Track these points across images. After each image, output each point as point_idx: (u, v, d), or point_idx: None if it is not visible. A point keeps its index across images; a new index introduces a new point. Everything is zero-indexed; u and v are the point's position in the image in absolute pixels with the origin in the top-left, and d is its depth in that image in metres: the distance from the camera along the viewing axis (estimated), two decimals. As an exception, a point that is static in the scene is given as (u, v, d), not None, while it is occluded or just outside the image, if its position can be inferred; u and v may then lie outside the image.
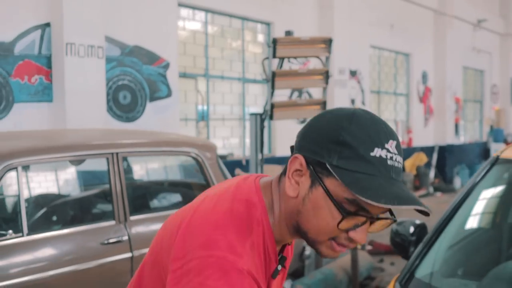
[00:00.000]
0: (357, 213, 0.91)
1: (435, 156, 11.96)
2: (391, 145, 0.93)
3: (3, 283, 2.49)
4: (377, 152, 0.91)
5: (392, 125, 11.14)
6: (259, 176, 1.06)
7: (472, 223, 2.28)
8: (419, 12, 11.32)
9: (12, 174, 2.67)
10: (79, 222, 3.04)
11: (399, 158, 0.94)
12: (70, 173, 3.23)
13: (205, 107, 7.35)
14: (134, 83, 6.27)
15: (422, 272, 2.00)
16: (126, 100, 6.18)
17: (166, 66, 6.57)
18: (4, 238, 2.60)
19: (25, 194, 2.80)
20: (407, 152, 11.00)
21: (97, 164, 3.16)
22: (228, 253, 0.89)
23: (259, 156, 5.62)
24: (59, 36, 5.36)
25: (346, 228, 0.93)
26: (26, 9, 5.26)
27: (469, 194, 2.22)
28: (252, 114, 5.65)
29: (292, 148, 1.03)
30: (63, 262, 2.72)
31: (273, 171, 7.62)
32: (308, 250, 4.49)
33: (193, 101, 7.26)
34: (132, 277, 1.16)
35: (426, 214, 0.92)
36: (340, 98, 9.08)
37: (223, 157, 7.42)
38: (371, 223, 0.94)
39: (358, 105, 9.73)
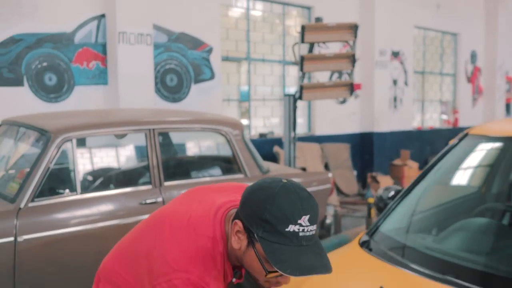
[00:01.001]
0: (276, 271, 1.27)
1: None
2: (303, 220, 1.24)
3: (61, 231, 3.13)
4: (291, 227, 1.23)
5: (437, 105, 11.21)
6: (228, 208, 1.45)
7: (436, 187, 2.65)
8: (467, -9, 11.20)
9: (68, 145, 3.30)
10: (122, 185, 3.65)
11: (311, 228, 1.26)
12: (115, 145, 3.84)
13: (247, 89, 7.86)
14: (180, 67, 6.86)
15: (386, 227, 2.41)
16: (172, 83, 6.80)
17: (210, 50, 7.11)
18: (62, 196, 3.24)
19: (79, 162, 3.42)
20: (452, 132, 11.02)
21: (138, 138, 3.75)
22: (200, 280, 1.33)
23: (292, 135, 6.09)
24: (113, 25, 6.01)
25: (273, 276, 1.32)
26: (84, 2, 5.94)
27: (436, 163, 2.60)
28: (285, 95, 6.10)
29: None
30: (108, 216, 3.34)
31: (311, 149, 8.05)
32: (329, 219, 4.93)
33: (235, 83, 7.79)
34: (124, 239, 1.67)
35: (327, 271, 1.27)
36: (380, 79, 9.29)
37: (263, 135, 7.94)
38: None
39: (401, 85, 9.87)
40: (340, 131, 8.96)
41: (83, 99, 5.99)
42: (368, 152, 9.31)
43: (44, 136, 3.28)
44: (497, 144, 2.68)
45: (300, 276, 1.25)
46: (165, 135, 3.94)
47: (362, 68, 9.16)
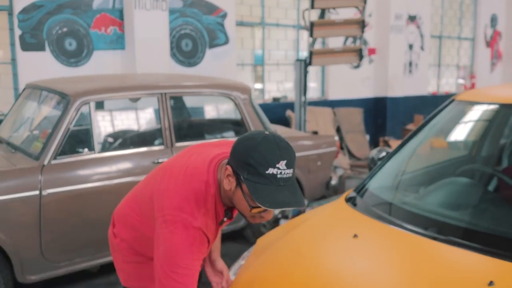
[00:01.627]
0: (258, 207, 1.54)
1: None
2: (281, 164, 1.49)
3: (81, 186, 3.44)
4: (270, 170, 1.48)
5: (454, 70, 11.16)
6: (221, 158, 1.71)
7: (421, 149, 2.85)
8: (490, -48, 10.95)
9: (86, 108, 3.57)
10: (137, 145, 3.93)
11: (288, 171, 1.50)
12: (130, 108, 4.10)
13: (261, 53, 8.00)
14: (195, 32, 7.03)
15: (373, 185, 2.63)
16: (187, 48, 6.99)
17: (224, 15, 7.25)
18: (81, 154, 3.54)
19: (96, 123, 3.70)
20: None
21: (151, 102, 3.99)
22: (189, 216, 1.61)
23: (302, 99, 6.27)
24: (129, -9, 6.19)
25: (257, 212, 1.59)
26: (101, -32, 6.12)
27: (423, 127, 2.79)
28: (297, 60, 6.25)
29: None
30: (123, 174, 3.63)
31: (323, 113, 8.22)
32: (334, 180, 5.17)
33: (249, 47, 7.93)
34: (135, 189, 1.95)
35: (303, 205, 1.54)
36: (396, 44, 9.30)
37: (276, 100, 8.12)
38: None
39: (417, 50, 9.87)
40: (354, 96, 9.08)
41: (102, 63, 6.24)
42: (381, 116, 9.43)
43: (64, 100, 3.55)
44: (483, 111, 2.85)
45: (276, 209, 1.52)
46: (176, 99, 4.17)
47: (377, 32, 9.18)
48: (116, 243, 1.92)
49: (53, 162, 3.37)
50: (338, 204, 2.52)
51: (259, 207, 1.53)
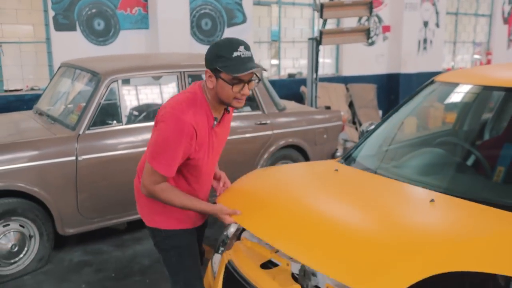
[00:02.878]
0: (237, 82, 2.03)
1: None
2: (240, 48, 2.00)
3: (111, 153, 3.97)
4: (235, 53, 1.99)
5: (469, 47, 11.31)
6: (202, 81, 2.22)
7: (402, 124, 3.26)
8: None
9: (115, 85, 4.07)
10: (159, 118, 4.43)
11: (247, 52, 2.02)
12: (153, 84, 4.59)
13: (277, 30, 8.38)
14: (214, 12, 7.45)
15: (357, 153, 3.07)
16: (207, 26, 7.42)
17: (242, -5, 7.64)
18: (111, 125, 4.06)
19: (124, 99, 4.20)
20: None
21: (171, 79, 4.47)
22: (179, 111, 2.06)
23: (314, 76, 6.67)
24: (152, -26, 6.62)
25: (238, 90, 2.06)
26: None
27: (403, 105, 3.20)
28: (309, 39, 6.63)
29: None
30: (146, 143, 4.14)
31: (336, 89, 8.60)
32: (340, 152, 5.60)
33: (266, 26, 8.31)
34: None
35: (264, 69, 2.12)
36: (410, 21, 9.53)
37: (291, 76, 8.52)
38: (248, 84, 2.08)
39: (432, 27, 10.06)
40: (367, 72, 9.40)
41: (128, 42, 6.74)
42: (394, 92, 9.74)
43: (96, 77, 4.06)
44: (459, 92, 3.24)
45: (247, 72, 2.00)
46: (194, 77, 4.63)
47: (391, 10, 9.42)
48: (138, 190, 2.35)
49: (87, 132, 3.90)
50: (325, 161, 3.01)
51: (238, 83, 2.03)
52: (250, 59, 2.05)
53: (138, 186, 2.30)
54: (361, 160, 2.99)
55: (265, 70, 2.26)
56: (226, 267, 2.30)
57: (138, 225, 4.49)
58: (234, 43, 2.03)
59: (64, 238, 4.18)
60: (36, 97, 5.28)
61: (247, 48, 2.05)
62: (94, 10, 6.48)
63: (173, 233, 2.25)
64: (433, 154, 3.00)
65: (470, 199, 2.25)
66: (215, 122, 2.19)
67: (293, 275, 2.10)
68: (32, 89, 6.32)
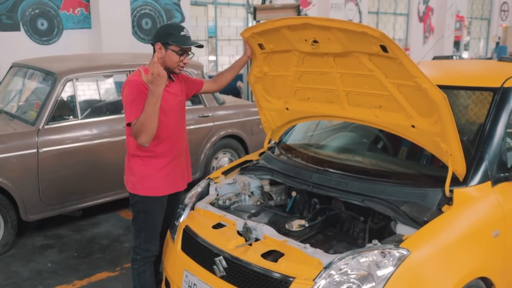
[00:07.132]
0: (182, 52, 2.71)
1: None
2: (185, 30, 2.72)
3: (68, 145, 4.38)
4: (182, 33, 2.70)
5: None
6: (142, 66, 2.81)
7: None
8: None
9: (70, 83, 4.48)
10: (110, 113, 4.85)
11: (189, 33, 2.75)
12: (105, 83, 5.01)
13: (214, 28, 8.92)
14: (154, 12, 7.87)
15: (286, 139, 3.71)
16: (147, 26, 7.84)
17: (180, -4, 8.10)
18: (68, 120, 4.46)
19: (78, 96, 4.60)
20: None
21: (121, 77, 4.92)
22: (131, 77, 2.67)
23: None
24: (94, -24, 6.95)
25: (182, 59, 2.72)
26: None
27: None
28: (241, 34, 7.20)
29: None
30: (100, 136, 4.58)
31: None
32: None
33: (203, 25, 8.83)
34: None
35: (200, 46, 2.81)
36: (335, 20, 10.36)
37: (228, 72, 9.07)
38: (188, 55, 2.75)
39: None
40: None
41: (71, 41, 7.04)
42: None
43: (52, 77, 4.44)
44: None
45: (193, 45, 2.74)
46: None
47: (318, 10, 10.21)
48: (127, 162, 2.89)
49: (46, 126, 4.29)
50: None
51: (183, 53, 2.71)
52: (191, 38, 2.81)
53: (128, 162, 2.89)
54: (291, 144, 3.64)
55: (202, 46, 2.87)
56: (184, 231, 2.85)
57: (93, 211, 4.93)
58: (180, 26, 2.77)
59: (24, 225, 4.54)
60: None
61: (188, 31, 2.80)
62: (37, 11, 6.73)
63: (146, 199, 2.83)
64: (348, 137, 3.69)
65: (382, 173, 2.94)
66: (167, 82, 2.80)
67: (238, 232, 2.68)
68: (-23, 87, 6.50)
